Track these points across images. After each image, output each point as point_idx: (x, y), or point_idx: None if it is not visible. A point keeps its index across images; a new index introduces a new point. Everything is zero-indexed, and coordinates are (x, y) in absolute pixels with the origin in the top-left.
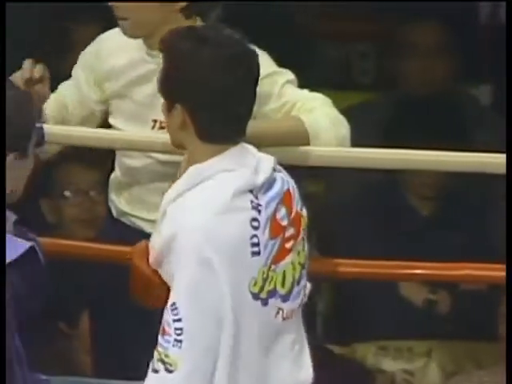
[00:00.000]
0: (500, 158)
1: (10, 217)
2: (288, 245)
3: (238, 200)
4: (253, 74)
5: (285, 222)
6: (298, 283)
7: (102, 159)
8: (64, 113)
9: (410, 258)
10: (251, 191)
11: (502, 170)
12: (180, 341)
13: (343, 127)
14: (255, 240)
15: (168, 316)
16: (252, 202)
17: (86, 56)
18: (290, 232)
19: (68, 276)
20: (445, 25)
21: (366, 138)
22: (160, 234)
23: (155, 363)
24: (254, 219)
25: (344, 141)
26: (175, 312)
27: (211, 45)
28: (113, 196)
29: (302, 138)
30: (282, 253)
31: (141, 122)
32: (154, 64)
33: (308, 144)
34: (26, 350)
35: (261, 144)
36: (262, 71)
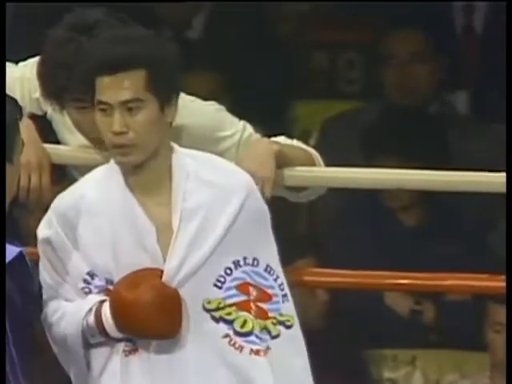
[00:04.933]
0: (495, 177)
1: None
2: None
3: None
4: None
5: None
6: None
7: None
8: None
9: (394, 268)
10: None
11: (496, 188)
12: (286, 295)
13: None
14: None
15: (263, 280)
16: None
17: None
18: None
19: None
20: (424, 34)
21: (352, 147)
22: None
23: (272, 331)
24: None
25: None
26: (272, 272)
27: None
28: None
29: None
30: None
31: None
32: None
33: None
34: (20, 360)
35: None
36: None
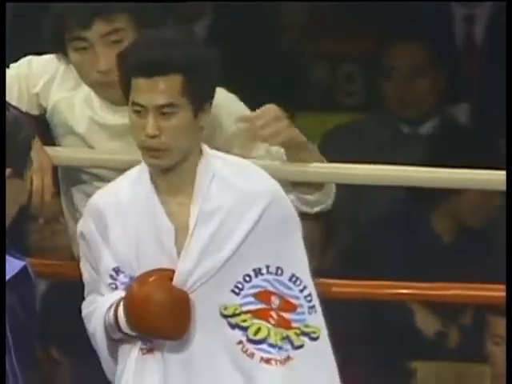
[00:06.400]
0: (494, 175)
1: None
2: None
3: None
4: None
5: None
6: None
7: None
8: None
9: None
10: None
11: (496, 186)
12: (313, 306)
13: None
14: None
15: (287, 290)
16: None
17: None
18: None
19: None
20: (424, 45)
21: (352, 159)
22: None
23: (294, 341)
24: None
25: None
26: (298, 282)
27: None
28: None
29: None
30: None
31: None
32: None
33: None
34: (22, 373)
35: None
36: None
